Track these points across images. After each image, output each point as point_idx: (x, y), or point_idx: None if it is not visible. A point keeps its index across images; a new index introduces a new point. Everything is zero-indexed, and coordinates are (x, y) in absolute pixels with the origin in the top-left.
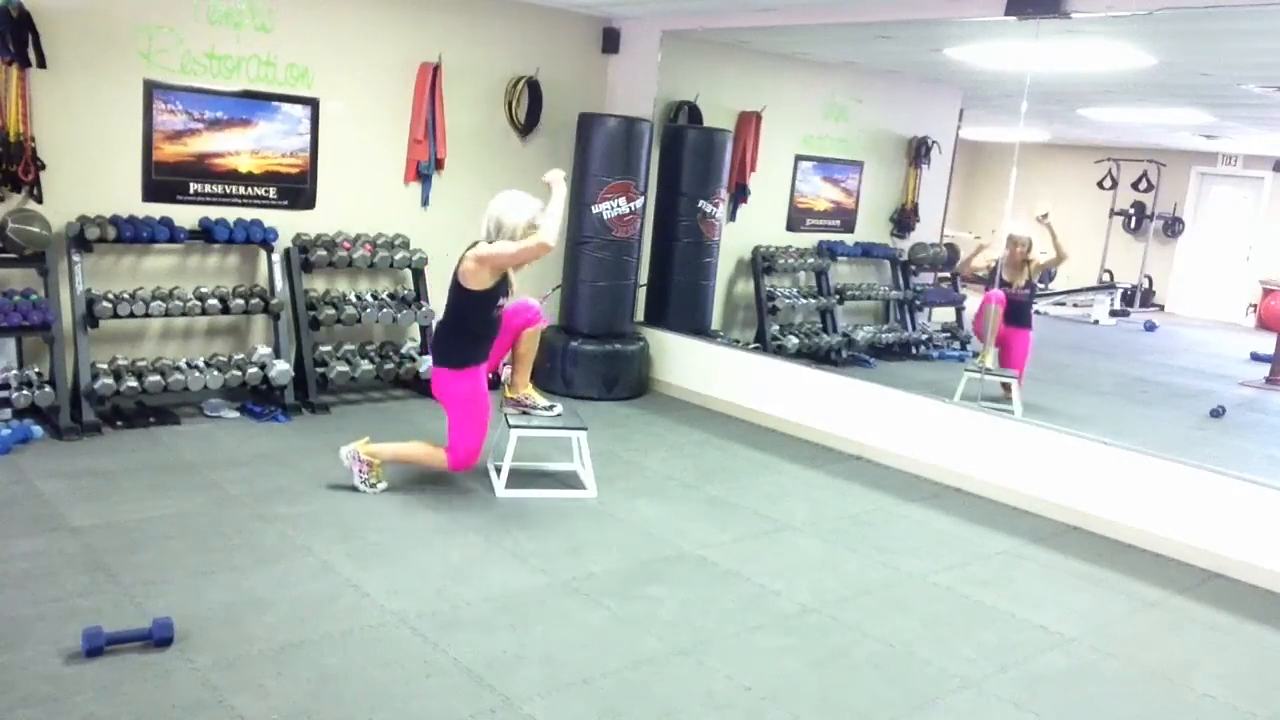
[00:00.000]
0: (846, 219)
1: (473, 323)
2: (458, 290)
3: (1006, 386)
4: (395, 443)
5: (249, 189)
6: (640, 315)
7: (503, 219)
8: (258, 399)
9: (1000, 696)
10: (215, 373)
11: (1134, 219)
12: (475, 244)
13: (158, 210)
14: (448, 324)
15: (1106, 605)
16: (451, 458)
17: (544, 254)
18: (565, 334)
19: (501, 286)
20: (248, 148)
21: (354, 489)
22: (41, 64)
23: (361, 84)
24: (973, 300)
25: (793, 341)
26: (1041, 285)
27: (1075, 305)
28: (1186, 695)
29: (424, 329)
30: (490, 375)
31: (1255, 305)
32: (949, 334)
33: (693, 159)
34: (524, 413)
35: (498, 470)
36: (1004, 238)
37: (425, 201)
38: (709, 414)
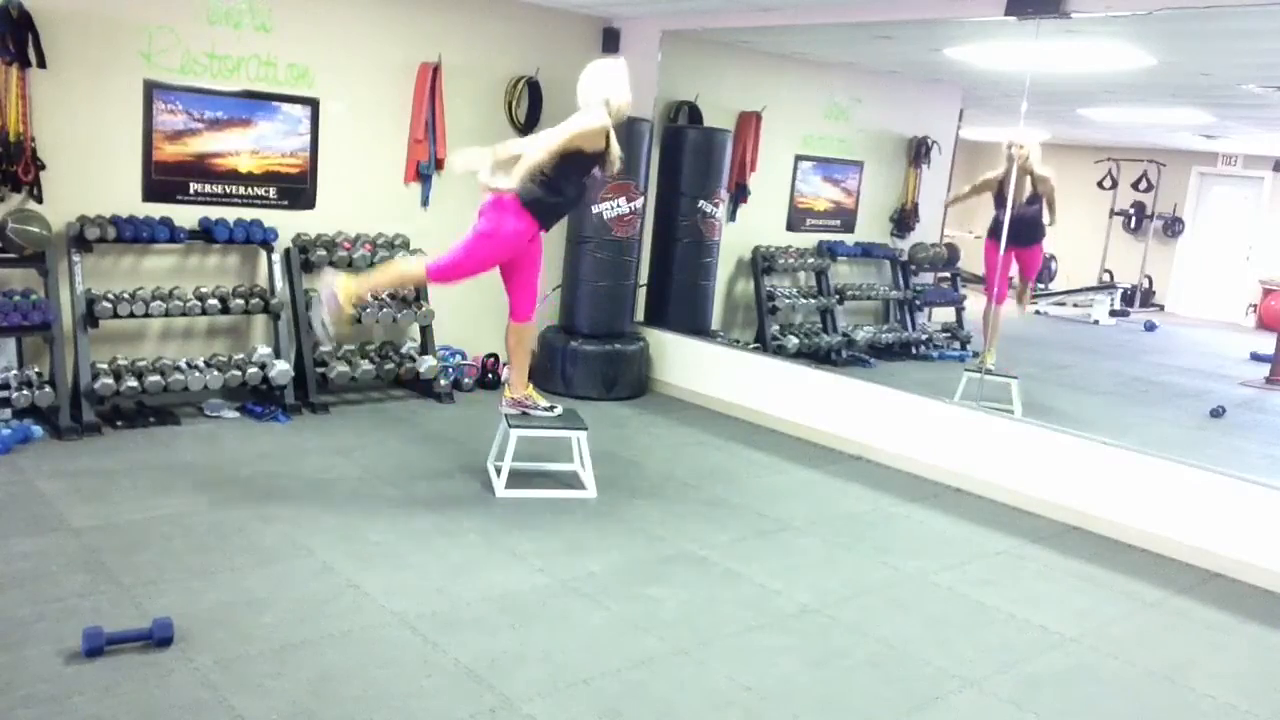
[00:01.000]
0: (846, 219)
1: (560, 181)
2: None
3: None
4: (372, 275)
5: (249, 189)
6: (640, 315)
7: (611, 94)
8: (258, 399)
9: (1000, 696)
10: (215, 373)
11: (1134, 219)
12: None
13: (158, 210)
14: (545, 170)
15: (1106, 605)
16: (432, 268)
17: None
18: (565, 334)
19: (602, 156)
20: (248, 148)
21: (354, 490)
22: (41, 64)
23: (361, 84)
24: (974, 300)
25: (793, 341)
26: (1041, 285)
27: (1075, 305)
28: (1186, 695)
29: (424, 329)
30: (491, 375)
31: (1255, 305)
32: (949, 334)
33: (693, 159)
34: (524, 413)
35: (498, 470)
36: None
37: (425, 201)
38: (709, 414)
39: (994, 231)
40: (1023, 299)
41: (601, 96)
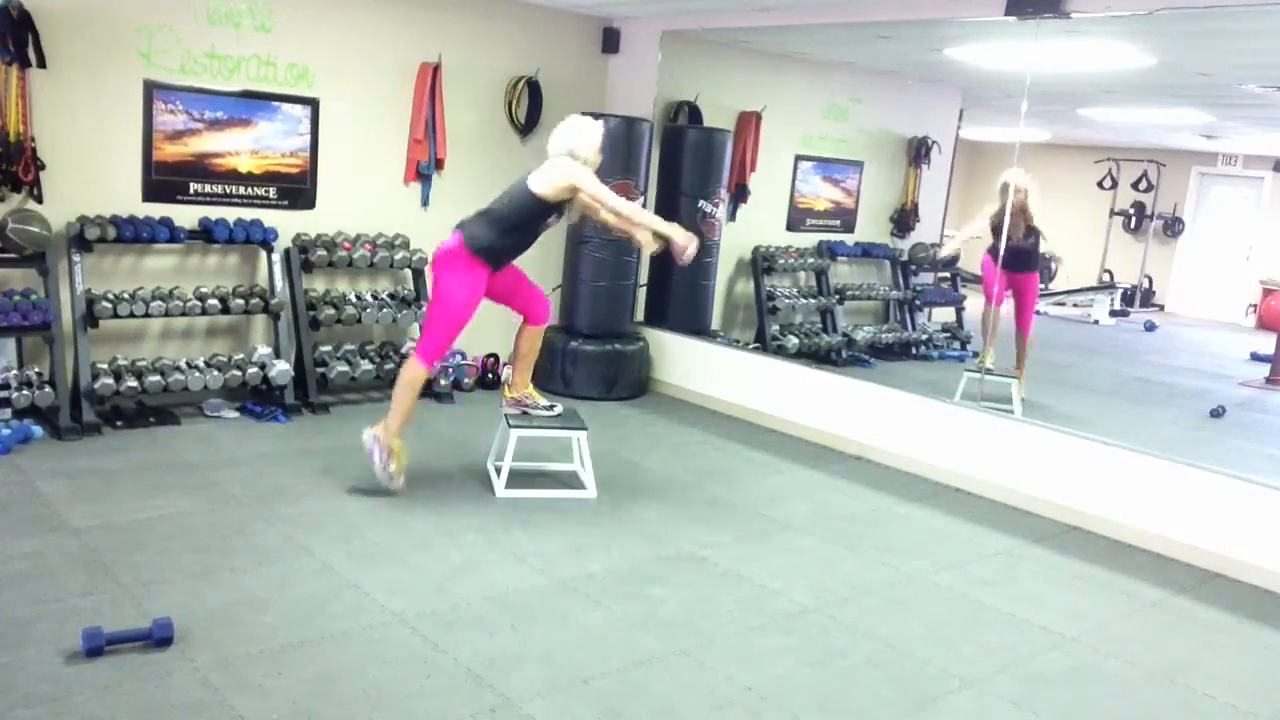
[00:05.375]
0: (846, 219)
1: (517, 225)
2: (523, 192)
3: (1020, 352)
4: (392, 411)
5: (249, 189)
6: (640, 315)
7: (576, 147)
8: (258, 399)
9: (1000, 696)
10: (215, 373)
11: (1134, 219)
12: (552, 160)
13: (158, 210)
14: (491, 214)
15: (1106, 605)
16: (423, 356)
17: (610, 212)
18: (565, 334)
19: (561, 207)
20: (248, 148)
21: (354, 490)
22: (41, 64)
23: (361, 84)
24: (974, 300)
25: (793, 341)
26: (1042, 286)
27: (1075, 305)
28: (1186, 695)
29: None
30: (491, 375)
31: (1255, 305)
32: (949, 334)
33: (693, 159)
34: (524, 413)
35: (498, 470)
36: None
37: (425, 201)
38: (709, 414)
39: (993, 250)
40: (1021, 362)
41: (567, 148)
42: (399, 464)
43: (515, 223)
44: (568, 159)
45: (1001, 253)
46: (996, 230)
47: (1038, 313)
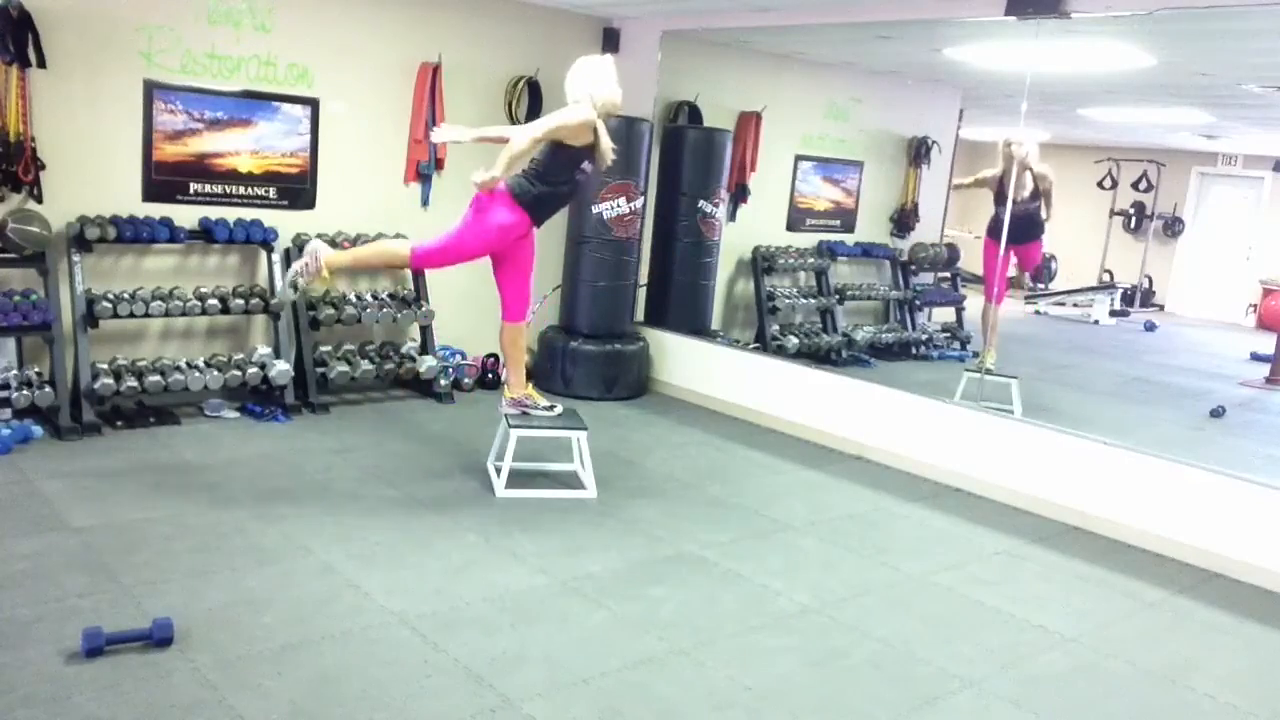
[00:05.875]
0: (846, 219)
1: (553, 174)
2: (548, 142)
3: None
4: (351, 250)
5: (249, 189)
6: (640, 315)
7: (596, 91)
8: (258, 399)
9: (1000, 696)
10: (215, 373)
11: (1134, 219)
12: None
13: (158, 210)
14: (525, 167)
15: (1106, 605)
16: (417, 252)
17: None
18: (565, 334)
19: (591, 153)
20: (248, 148)
21: (354, 491)
22: (41, 64)
23: (361, 84)
24: (974, 300)
25: (793, 341)
26: (1041, 285)
27: (1075, 305)
28: (1186, 695)
29: (424, 329)
30: (491, 375)
31: (1255, 305)
32: (949, 334)
33: (693, 159)
34: (524, 413)
35: (498, 470)
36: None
37: (425, 201)
38: (709, 414)
39: (993, 230)
40: (1021, 284)
41: (585, 92)
42: (313, 286)
43: (550, 172)
44: (565, 108)
45: (1006, 223)
46: (999, 197)
47: (1037, 313)
